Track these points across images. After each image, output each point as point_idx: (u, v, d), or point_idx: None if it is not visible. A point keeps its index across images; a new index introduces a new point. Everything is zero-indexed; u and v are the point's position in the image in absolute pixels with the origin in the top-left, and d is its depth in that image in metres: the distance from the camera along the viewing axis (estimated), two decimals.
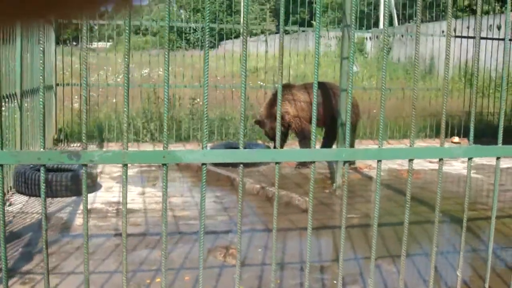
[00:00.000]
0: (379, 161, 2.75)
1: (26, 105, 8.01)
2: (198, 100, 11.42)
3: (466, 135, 11.82)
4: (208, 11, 2.49)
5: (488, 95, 12.82)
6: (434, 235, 3.01)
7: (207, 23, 2.45)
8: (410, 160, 2.79)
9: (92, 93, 11.20)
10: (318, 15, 2.67)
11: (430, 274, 3.11)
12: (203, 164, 2.54)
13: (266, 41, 11.67)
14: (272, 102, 8.46)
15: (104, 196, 6.57)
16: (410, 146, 2.78)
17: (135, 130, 10.49)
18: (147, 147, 9.98)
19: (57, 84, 9.98)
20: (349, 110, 2.82)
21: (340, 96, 6.79)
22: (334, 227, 5.60)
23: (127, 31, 2.39)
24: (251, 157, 2.58)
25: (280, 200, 6.31)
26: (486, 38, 12.46)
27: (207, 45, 2.45)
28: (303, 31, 13.10)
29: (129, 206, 6.15)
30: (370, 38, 23.42)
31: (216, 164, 7.55)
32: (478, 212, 6.30)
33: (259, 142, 10.38)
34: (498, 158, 2.98)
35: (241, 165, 2.60)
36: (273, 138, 8.39)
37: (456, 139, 11.49)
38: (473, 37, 12.13)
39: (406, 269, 4.52)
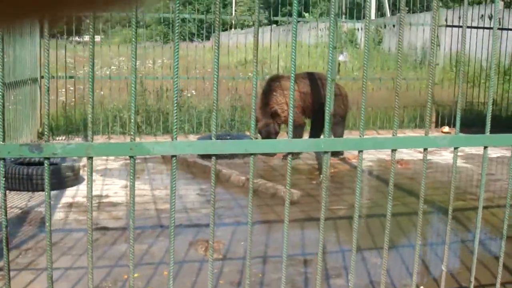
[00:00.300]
0: (360, 151, 2.62)
1: (12, 97, 7.88)
2: (186, 91, 11.28)
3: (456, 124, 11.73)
4: (178, 2, 2.36)
5: (479, 85, 12.70)
6: (418, 227, 2.90)
7: (177, 15, 2.32)
8: (393, 150, 2.67)
9: (79, 86, 11.05)
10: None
11: (414, 267, 2.99)
12: (173, 156, 2.41)
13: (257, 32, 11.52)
14: (264, 98, 8.23)
15: (86, 189, 6.42)
16: (393, 135, 2.65)
17: (121, 122, 10.34)
18: None
19: (41, 77, 9.80)
20: (330, 99, 2.70)
21: (329, 86, 6.66)
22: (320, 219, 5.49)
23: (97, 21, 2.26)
24: (223, 148, 2.45)
25: (266, 192, 6.20)
26: (477, 28, 12.33)
27: (178, 37, 2.32)
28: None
29: (111, 199, 6.03)
30: (361, 28, 23.31)
31: (202, 156, 7.43)
32: (467, 202, 6.21)
33: (248, 133, 10.25)
34: (485, 148, 2.86)
35: (213, 157, 2.47)
36: (266, 137, 8.21)
37: (446, 128, 11.40)
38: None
39: (393, 262, 4.43)
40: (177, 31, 2.32)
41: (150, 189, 6.49)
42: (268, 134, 8.09)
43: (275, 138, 8.21)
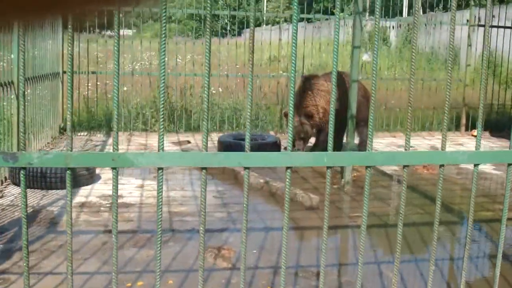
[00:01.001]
0: (368, 167, 2.38)
1: (37, 92, 7.80)
2: (212, 88, 11.11)
3: (487, 127, 11.35)
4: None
5: None
6: (432, 250, 2.65)
7: (164, 10, 2.12)
8: (405, 166, 2.43)
9: (106, 81, 10.97)
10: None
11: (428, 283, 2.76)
12: (159, 168, 2.20)
13: (280, 29, 11.31)
14: (299, 97, 7.84)
15: (101, 188, 6.28)
16: (406, 149, 2.41)
17: (144, 119, 10.20)
18: (155, 136, 9.70)
19: (64, 72, 9.70)
20: (333, 102, 2.47)
21: (351, 87, 6.41)
22: (338, 227, 5.26)
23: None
24: (215, 161, 2.24)
25: (284, 195, 5.98)
26: (510, 28, 11.89)
27: (164, 33, 2.12)
28: (326, 19, 12.62)
29: (125, 200, 5.87)
30: (393, 27, 22.90)
31: (225, 151, 7.26)
32: (495, 213, 5.91)
33: (271, 133, 10.03)
34: (509, 165, 2.58)
35: (203, 170, 2.26)
36: (297, 135, 7.87)
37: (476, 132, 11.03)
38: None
39: (412, 276, 4.18)
40: (164, 29, 2.12)
41: (166, 189, 6.32)
42: (299, 133, 7.77)
43: (307, 139, 7.96)
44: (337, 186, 6.61)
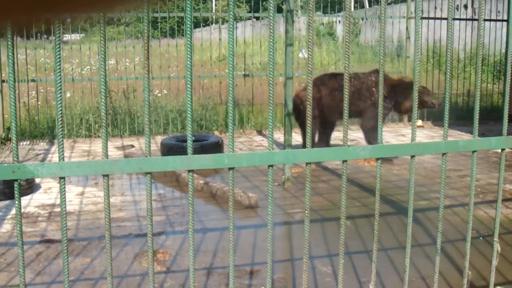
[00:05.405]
0: (270, 166, 2.42)
1: None
2: (157, 91, 11.07)
3: (429, 118, 11.60)
4: None
5: (457, 76, 12.63)
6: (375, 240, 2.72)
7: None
8: (308, 164, 2.49)
9: (48, 88, 10.83)
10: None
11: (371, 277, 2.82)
12: (61, 178, 2.21)
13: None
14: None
15: (41, 198, 6.22)
16: (306, 147, 2.46)
17: (87, 125, 10.10)
18: (100, 142, 9.61)
19: (2, 81, 9.54)
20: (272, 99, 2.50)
21: (286, 84, 6.47)
22: (276, 224, 5.32)
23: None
24: (115, 168, 2.26)
25: (223, 196, 6.03)
26: (455, 19, 12.15)
27: (103, 37, 2.13)
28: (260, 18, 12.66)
29: None
30: (339, 21, 23.16)
31: (168, 153, 7.28)
32: (431, 201, 6.06)
33: (216, 133, 10.06)
34: (412, 157, 2.67)
35: (105, 177, 2.28)
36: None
37: (419, 122, 11.24)
38: (427, 18, 11.92)
39: (344, 270, 4.25)
40: (103, 30, 2.13)
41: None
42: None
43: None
44: (277, 183, 6.66)
